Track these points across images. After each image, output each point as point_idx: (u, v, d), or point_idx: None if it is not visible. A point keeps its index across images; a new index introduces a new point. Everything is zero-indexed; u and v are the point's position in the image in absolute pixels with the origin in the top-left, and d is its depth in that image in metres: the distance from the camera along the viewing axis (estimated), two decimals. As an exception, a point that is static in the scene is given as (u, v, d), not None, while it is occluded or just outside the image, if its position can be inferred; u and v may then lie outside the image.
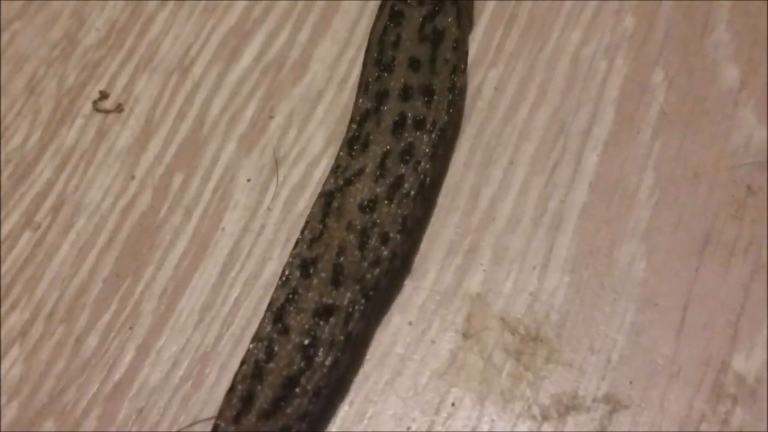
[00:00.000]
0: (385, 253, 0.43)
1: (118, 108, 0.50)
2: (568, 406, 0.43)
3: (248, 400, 0.40)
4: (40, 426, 0.44)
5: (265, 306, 0.44)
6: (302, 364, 0.41)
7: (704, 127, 0.48)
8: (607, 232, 0.46)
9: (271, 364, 0.41)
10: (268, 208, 0.48)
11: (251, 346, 0.41)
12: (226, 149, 0.49)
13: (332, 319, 0.41)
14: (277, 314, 0.42)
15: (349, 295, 0.42)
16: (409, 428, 0.43)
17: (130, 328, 0.45)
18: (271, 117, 0.50)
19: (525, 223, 0.47)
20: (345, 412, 0.43)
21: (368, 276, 0.42)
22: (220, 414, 0.41)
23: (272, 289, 0.45)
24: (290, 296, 0.42)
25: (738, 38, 0.50)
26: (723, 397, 0.43)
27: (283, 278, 0.43)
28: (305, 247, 0.43)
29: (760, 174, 0.47)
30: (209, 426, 0.41)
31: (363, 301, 0.42)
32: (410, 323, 0.45)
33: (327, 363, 0.41)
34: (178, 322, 0.45)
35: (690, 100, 0.49)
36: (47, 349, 0.45)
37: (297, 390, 0.40)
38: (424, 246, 0.47)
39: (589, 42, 0.50)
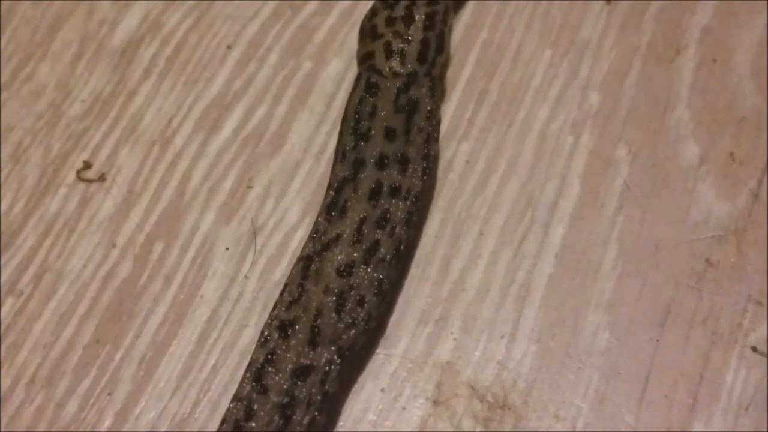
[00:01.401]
0: (362, 315, 0.44)
1: (101, 177, 0.52)
2: (534, 473, 0.44)
3: None
4: (19, 490, 0.45)
5: (241, 372, 0.45)
6: (281, 423, 0.42)
7: (665, 202, 0.50)
8: (573, 303, 0.48)
9: (251, 424, 0.42)
10: (246, 277, 0.49)
11: (231, 405, 0.43)
12: (206, 218, 0.51)
13: (309, 379, 0.43)
14: (256, 374, 0.43)
15: (326, 355, 0.43)
16: (379, 494, 0.44)
17: (109, 394, 0.46)
18: (250, 187, 0.52)
19: (494, 293, 0.48)
20: (318, 479, 0.45)
21: (344, 337, 0.44)
22: None
23: (248, 356, 0.46)
24: (269, 357, 0.43)
25: (697, 116, 0.52)
26: (683, 465, 0.44)
27: (262, 339, 0.44)
28: (284, 309, 0.44)
29: (718, 247, 0.49)
30: (185, 492, 0.42)
31: (339, 361, 0.44)
32: (382, 390, 0.46)
33: (305, 422, 0.42)
34: (156, 389, 0.47)
35: (652, 176, 0.51)
36: (28, 415, 0.46)
37: None
38: (396, 315, 0.48)
39: (556, 118, 0.53)
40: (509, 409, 0.46)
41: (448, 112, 0.53)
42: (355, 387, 0.46)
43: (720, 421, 0.45)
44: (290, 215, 0.51)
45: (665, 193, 0.50)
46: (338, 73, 0.54)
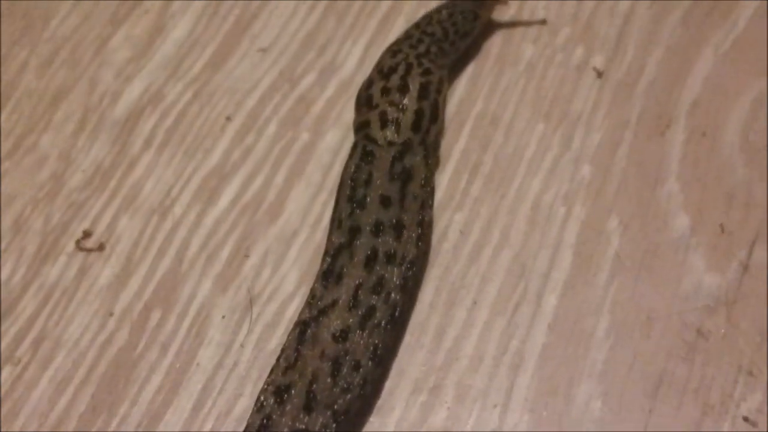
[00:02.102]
0: (357, 380, 0.45)
1: (100, 246, 0.53)
2: None
3: None
4: None
5: (236, 441, 0.46)
6: None
7: (656, 272, 0.51)
8: (565, 372, 0.48)
9: None
10: (241, 345, 0.50)
11: None
12: (203, 287, 0.51)
13: None
14: None
15: (321, 420, 0.44)
16: None
17: (104, 462, 0.47)
18: (247, 257, 0.52)
19: (487, 362, 0.49)
20: None
21: (340, 402, 0.44)
22: None
23: (243, 424, 0.46)
24: (264, 421, 0.44)
25: (687, 189, 0.53)
26: None
27: (258, 404, 0.44)
28: (280, 374, 0.45)
29: (709, 318, 0.49)
30: None
31: (334, 426, 0.44)
32: (376, 460, 0.47)
33: None
34: (151, 457, 0.47)
35: (643, 247, 0.51)
36: (22, 483, 0.46)
37: None
38: (390, 383, 0.48)
39: (549, 189, 0.53)
40: (502, 479, 0.46)
41: (442, 182, 0.54)
42: (349, 456, 0.47)
43: (712, 492, 0.45)
44: (286, 284, 0.51)
45: (656, 264, 0.51)
46: (335, 144, 0.56)
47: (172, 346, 0.50)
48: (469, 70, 0.57)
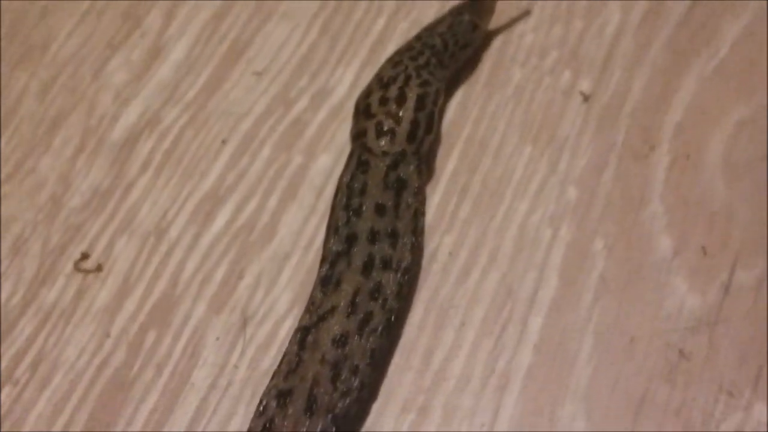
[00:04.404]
0: (355, 384, 0.46)
1: (98, 268, 0.54)
2: None
3: None
4: None
5: (229, 460, 0.47)
6: None
7: (640, 294, 0.52)
8: (550, 392, 0.49)
9: None
10: (235, 366, 0.51)
11: None
12: (197, 309, 0.53)
13: None
14: None
15: (321, 423, 0.45)
16: None
17: (101, 481, 0.48)
18: (241, 278, 0.53)
19: (474, 383, 0.50)
20: None
21: (339, 405, 0.46)
22: None
23: (236, 444, 0.48)
24: (267, 425, 0.45)
25: (670, 211, 0.54)
26: None
27: (260, 408, 0.46)
28: (282, 378, 0.46)
29: (691, 339, 0.50)
30: None
31: (334, 429, 0.45)
32: (365, 478, 0.48)
33: None
34: (146, 476, 0.48)
35: (627, 268, 0.52)
36: (21, 502, 0.48)
37: None
38: (379, 403, 0.50)
39: (536, 211, 0.55)
40: (488, 497, 0.47)
41: (432, 204, 0.55)
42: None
43: None
44: (279, 306, 0.53)
45: (640, 286, 0.52)
46: (327, 167, 0.57)
47: (167, 366, 0.51)
48: (459, 94, 0.59)
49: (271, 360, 0.51)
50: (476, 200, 0.55)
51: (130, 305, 0.53)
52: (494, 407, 0.49)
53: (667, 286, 0.52)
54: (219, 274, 0.54)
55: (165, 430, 0.49)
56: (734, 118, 0.57)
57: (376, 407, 0.49)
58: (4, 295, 0.53)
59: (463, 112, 0.58)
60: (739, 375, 0.49)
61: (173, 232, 0.55)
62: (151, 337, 0.52)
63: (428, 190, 0.55)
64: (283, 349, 0.49)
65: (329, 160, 0.57)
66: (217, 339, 0.52)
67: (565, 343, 0.51)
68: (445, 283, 0.53)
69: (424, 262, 0.53)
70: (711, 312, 0.51)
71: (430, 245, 0.54)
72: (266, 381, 0.48)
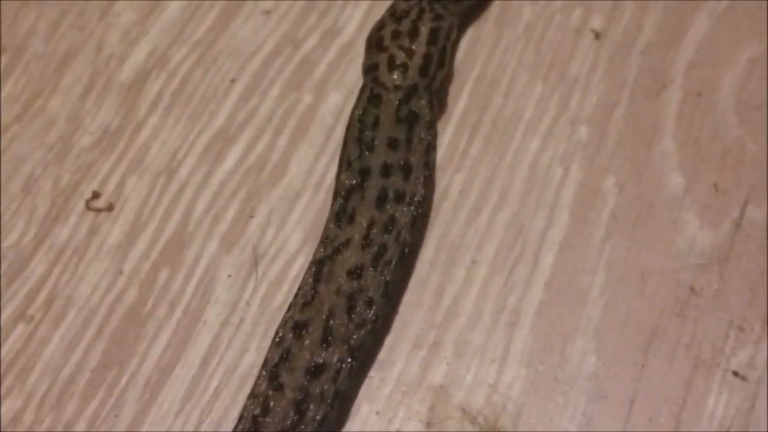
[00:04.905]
0: (370, 315, 0.47)
1: (109, 207, 0.54)
2: (523, 492, 0.46)
3: None
4: None
5: (242, 395, 0.48)
6: (295, 419, 0.44)
7: (651, 231, 0.52)
8: (561, 329, 0.50)
9: (267, 419, 0.44)
10: (247, 303, 0.51)
11: (248, 402, 0.45)
12: (209, 247, 0.53)
13: (323, 377, 0.45)
14: (271, 373, 0.45)
15: (337, 354, 0.46)
16: None
17: (116, 416, 0.48)
18: (252, 217, 0.54)
19: (485, 319, 0.50)
20: (315, 499, 0.46)
21: (355, 337, 0.46)
22: None
23: (250, 380, 0.48)
24: (284, 355, 0.46)
25: (682, 148, 0.54)
26: (666, 485, 0.46)
27: (277, 339, 0.46)
28: (298, 310, 0.47)
29: (702, 275, 0.51)
30: None
31: (350, 360, 0.46)
32: (377, 413, 0.48)
33: (318, 417, 0.45)
34: (161, 411, 0.48)
35: (638, 206, 0.53)
36: (37, 436, 0.48)
37: None
38: (391, 339, 0.50)
39: (547, 150, 0.55)
40: (499, 431, 0.47)
41: (442, 143, 0.55)
42: (351, 409, 0.48)
43: (702, 443, 0.47)
44: (290, 244, 0.53)
45: (651, 223, 0.52)
46: (337, 106, 0.57)
47: (179, 304, 0.51)
48: (469, 33, 0.58)
49: (282, 297, 0.51)
50: (487, 139, 0.55)
51: (142, 243, 0.53)
52: (505, 343, 0.50)
53: (679, 222, 0.52)
54: (230, 213, 0.54)
55: (178, 366, 0.49)
56: (746, 55, 0.56)
57: (388, 343, 0.50)
58: (16, 234, 0.53)
59: (473, 51, 0.58)
60: (750, 310, 0.50)
61: (183, 172, 0.55)
62: (163, 274, 0.52)
63: (439, 128, 0.55)
64: (295, 287, 0.49)
65: (339, 99, 0.57)
66: (229, 276, 0.52)
67: (576, 280, 0.51)
68: (456, 222, 0.53)
69: (435, 200, 0.53)
70: (722, 248, 0.51)
71: (440, 184, 0.54)
72: (278, 318, 0.48)
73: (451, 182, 0.54)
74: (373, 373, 0.49)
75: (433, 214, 0.53)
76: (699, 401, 0.48)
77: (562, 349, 0.49)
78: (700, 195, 0.53)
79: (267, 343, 0.48)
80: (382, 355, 0.49)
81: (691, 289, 0.50)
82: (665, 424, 0.47)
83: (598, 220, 0.52)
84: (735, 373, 0.48)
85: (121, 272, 0.52)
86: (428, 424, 0.48)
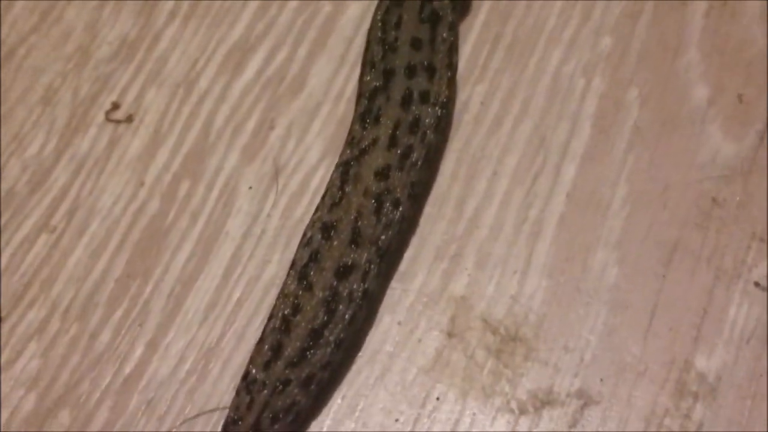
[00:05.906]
0: (397, 216, 0.47)
1: (129, 118, 0.54)
2: (544, 401, 0.47)
3: (277, 350, 0.44)
4: (56, 416, 0.47)
5: (265, 305, 0.48)
6: (325, 318, 0.45)
7: (674, 143, 0.51)
8: (583, 240, 0.50)
9: (298, 318, 0.45)
10: (268, 215, 0.51)
11: (278, 301, 0.46)
12: (229, 158, 0.53)
13: (351, 277, 0.45)
14: (301, 273, 0.46)
15: (366, 255, 0.46)
16: (397, 420, 0.47)
17: (140, 325, 0.49)
18: (272, 128, 0.53)
19: (507, 230, 0.50)
20: (338, 405, 0.47)
21: (383, 237, 0.46)
22: (252, 361, 0.45)
23: (272, 290, 0.49)
24: (313, 256, 0.46)
25: (707, 59, 0.53)
26: (685, 395, 0.46)
27: (305, 240, 0.47)
28: (326, 211, 0.47)
29: (725, 187, 0.50)
30: (214, 417, 0.45)
31: (378, 260, 0.46)
32: (399, 323, 0.49)
33: (347, 317, 0.45)
34: (185, 320, 0.49)
35: (662, 117, 0.52)
36: (63, 345, 0.49)
37: (321, 341, 0.45)
38: (412, 251, 0.50)
39: (569, 61, 0.54)
40: (520, 341, 0.48)
41: (463, 55, 0.54)
42: (374, 320, 0.49)
43: (722, 352, 0.47)
44: (311, 155, 0.53)
45: (674, 135, 0.52)
46: (357, 16, 0.56)
47: (201, 215, 0.51)
48: (491, -60, 0.57)
49: (303, 209, 0.51)
50: (508, 50, 0.55)
51: (162, 155, 0.53)
52: (527, 254, 0.50)
53: (702, 134, 0.52)
54: (250, 124, 0.53)
55: (201, 276, 0.50)
56: (774, -36, 0.55)
57: (409, 254, 0.50)
58: (36, 145, 0.53)
59: (496, -40, 0.57)
60: (772, 222, 0.50)
61: (203, 83, 0.55)
62: (184, 186, 0.52)
63: (459, 41, 0.54)
64: (316, 199, 0.49)
65: (359, 10, 0.56)
66: (250, 188, 0.52)
67: (598, 191, 0.51)
68: (477, 133, 0.53)
69: (456, 112, 0.53)
70: (745, 160, 0.51)
71: (461, 95, 0.54)
72: (300, 228, 0.48)
73: (472, 94, 0.54)
74: (395, 285, 0.49)
75: (454, 125, 0.53)
76: (720, 312, 0.48)
77: (584, 261, 0.49)
78: (724, 106, 0.52)
79: (288, 255, 0.49)
80: (403, 267, 0.50)
81: (714, 200, 0.50)
82: (685, 334, 0.47)
83: (621, 131, 0.52)
84: (756, 284, 0.48)
85: (142, 183, 0.52)
86: (449, 335, 0.48)
